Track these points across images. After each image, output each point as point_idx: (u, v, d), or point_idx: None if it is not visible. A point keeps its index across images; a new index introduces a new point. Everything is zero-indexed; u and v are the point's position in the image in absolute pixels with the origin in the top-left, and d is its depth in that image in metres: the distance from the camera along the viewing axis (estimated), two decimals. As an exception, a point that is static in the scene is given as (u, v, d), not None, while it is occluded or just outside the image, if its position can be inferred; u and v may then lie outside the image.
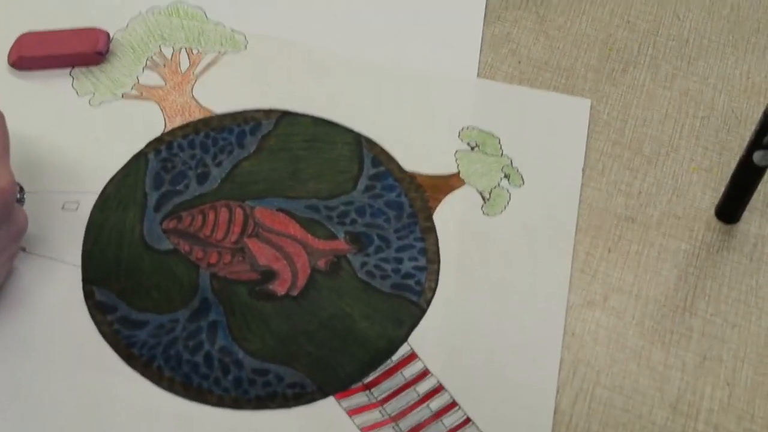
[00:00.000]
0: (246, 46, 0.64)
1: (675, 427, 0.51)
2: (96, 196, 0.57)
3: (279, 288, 0.55)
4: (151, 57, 0.63)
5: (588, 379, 0.52)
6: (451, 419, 0.51)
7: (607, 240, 0.57)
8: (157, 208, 0.57)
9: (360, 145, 0.60)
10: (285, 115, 0.61)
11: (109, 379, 0.51)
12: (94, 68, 0.62)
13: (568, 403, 0.52)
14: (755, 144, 0.53)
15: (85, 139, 0.59)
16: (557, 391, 0.52)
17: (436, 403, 0.51)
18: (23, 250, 0.54)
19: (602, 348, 0.53)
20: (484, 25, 0.66)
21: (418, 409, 0.51)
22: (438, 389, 0.52)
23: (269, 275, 0.55)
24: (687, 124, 0.61)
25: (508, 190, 0.59)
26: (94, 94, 0.61)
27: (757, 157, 0.53)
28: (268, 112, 0.61)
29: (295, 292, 0.54)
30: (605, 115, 0.61)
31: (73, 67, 0.62)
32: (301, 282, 0.55)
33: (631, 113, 0.62)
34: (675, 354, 0.53)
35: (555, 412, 0.51)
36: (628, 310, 0.55)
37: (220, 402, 0.51)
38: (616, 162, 0.60)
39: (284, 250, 0.56)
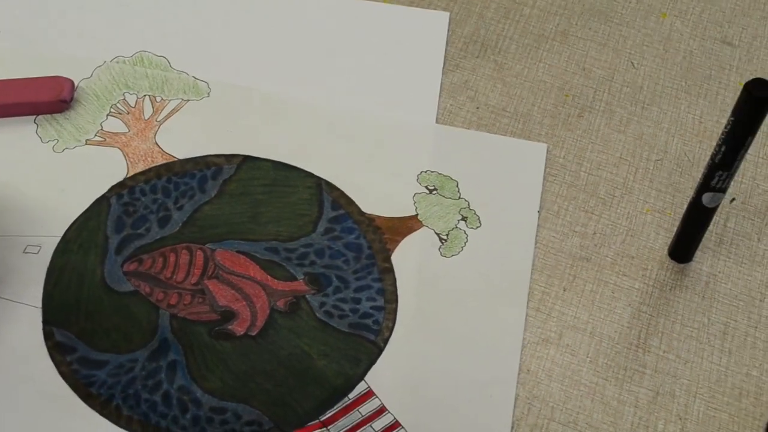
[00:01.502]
0: (209, 94, 0.65)
1: None
2: (58, 240, 0.58)
3: (238, 328, 0.55)
4: (115, 104, 0.64)
5: (543, 415, 0.53)
6: (407, 455, 0.51)
7: (562, 279, 0.58)
8: (118, 251, 0.58)
9: (320, 189, 0.61)
10: (246, 159, 0.62)
11: (68, 419, 0.52)
12: (58, 115, 0.63)
13: None
14: (704, 186, 0.54)
15: (48, 184, 0.60)
16: (512, 428, 0.52)
17: (392, 440, 0.52)
18: (-16, 292, 0.55)
19: (557, 384, 0.54)
20: (442, 72, 0.67)
21: (375, 445, 0.52)
22: (395, 425, 0.52)
23: (229, 315, 0.56)
24: (641, 167, 0.63)
25: (465, 232, 0.60)
26: (57, 140, 0.62)
27: (706, 198, 0.55)
28: (229, 157, 0.62)
29: (254, 332, 0.55)
30: (561, 159, 0.63)
31: (37, 114, 0.63)
32: (260, 322, 0.55)
33: (587, 156, 0.63)
34: (628, 389, 0.54)
35: None
36: (582, 348, 0.56)
37: (177, 440, 0.51)
38: (571, 204, 0.61)
39: (244, 291, 0.56)
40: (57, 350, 0.53)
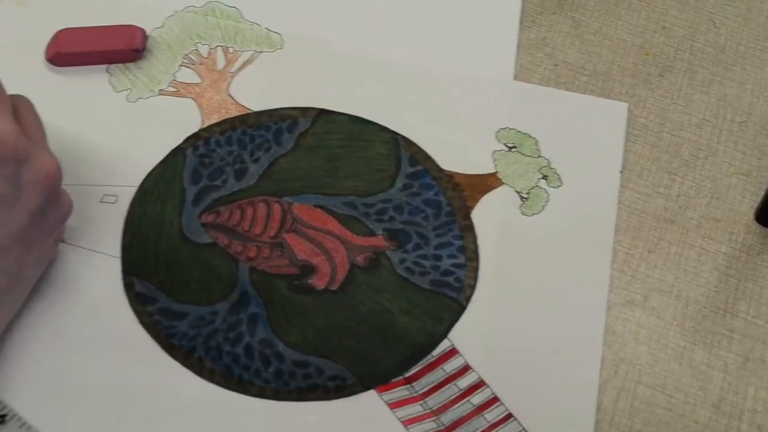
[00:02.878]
0: (282, 46, 0.64)
1: (718, 426, 0.51)
2: (134, 190, 0.57)
3: (318, 282, 0.54)
4: (188, 55, 0.63)
5: (630, 378, 0.52)
6: (492, 414, 0.51)
7: (646, 241, 0.57)
8: (195, 202, 0.57)
9: (397, 144, 0.60)
10: (322, 113, 0.61)
11: (150, 369, 0.51)
12: (130, 65, 0.62)
13: (611, 401, 0.51)
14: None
15: (122, 133, 0.59)
16: (599, 389, 0.51)
17: (477, 398, 0.51)
18: (62, 241, 0.54)
19: (644, 347, 0.53)
20: (519, 29, 0.65)
21: (460, 403, 0.51)
22: (479, 384, 0.51)
23: (308, 270, 0.55)
24: (725, 128, 0.61)
25: (546, 191, 0.59)
26: (131, 90, 0.61)
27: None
28: (304, 110, 0.61)
29: (334, 287, 0.54)
30: (642, 119, 0.61)
31: (110, 63, 0.62)
32: (340, 277, 0.55)
33: (669, 117, 0.62)
34: (717, 354, 0.53)
35: (597, 410, 0.51)
36: (668, 311, 0.54)
37: (261, 393, 0.51)
38: (654, 165, 0.60)
39: (323, 245, 0.55)
40: (138, 300, 0.53)
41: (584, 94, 0.63)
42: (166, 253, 0.55)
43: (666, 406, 0.52)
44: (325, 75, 0.63)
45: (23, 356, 0.50)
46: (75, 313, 0.52)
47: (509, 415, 0.51)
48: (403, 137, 0.60)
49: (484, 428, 0.50)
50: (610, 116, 0.62)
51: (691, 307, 0.55)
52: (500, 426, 0.50)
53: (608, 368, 0.52)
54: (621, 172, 0.59)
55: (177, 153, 0.59)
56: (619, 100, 0.62)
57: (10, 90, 0.47)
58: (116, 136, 0.59)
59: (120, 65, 0.62)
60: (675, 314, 0.54)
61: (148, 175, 0.58)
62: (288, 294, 0.54)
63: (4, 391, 0.49)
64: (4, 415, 0.49)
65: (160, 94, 0.61)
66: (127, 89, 0.61)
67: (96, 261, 0.54)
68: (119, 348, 0.51)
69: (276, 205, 0.57)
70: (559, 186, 0.59)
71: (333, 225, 0.56)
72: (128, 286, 0.53)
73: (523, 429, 0.50)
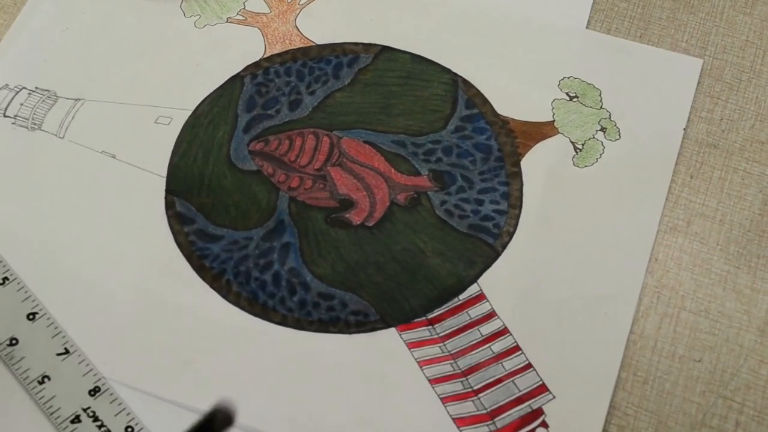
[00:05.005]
0: (354, -19, 0.64)
1: (763, 350, 0.50)
2: (189, 113, 0.58)
3: (355, 217, 0.54)
4: (261, -16, 0.63)
5: (672, 304, 0.51)
6: (511, 363, 0.50)
7: (688, 167, 0.55)
8: (246, 129, 0.57)
9: (456, 86, 0.59)
10: (384, 50, 0.60)
11: (178, 288, 0.52)
12: (203, -9, 0.63)
13: (653, 327, 0.51)
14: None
15: (186, 58, 0.60)
16: (640, 317, 0.51)
17: (498, 346, 0.50)
18: (113, 157, 0.56)
19: (686, 273, 0.52)
20: (599, -25, 0.63)
21: (480, 349, 0.50)
22: (502, 332, 0.51)
23: (347, 204, 0.55)
24: (768, 49, 0.59)
25: (602, 143, 0.57)
26: (200, 16, 0.62)
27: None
28: (367, 46, 0.61)
29: (370, 223, 0.54)
30: (683, 43, 0.59)
31: (183, -12, 0.63)
32: (378, 213, 0.54)
33: (711, 41, 0.59)
34: (762, 278, 0.52)
35: (640, 337, 0.50)
36: (712, 236, 0.53)
37: (283, 321, 0.51)
38: (696, 89, 0.58)
39: (365, 181, 0.55)
40: (176, 220, 0.54)
41: (657, 47, 0.60)
42: (211, 177, 0.55)
43: (710, 331, 0.51)
44: (392, 12, 0.62)
45: (64, 260, 0.52)
46: (117, 228, 0.54)
47: (528, 365, 0.50)
48: (463, 79, 0.59)
49: (500, 376, 0.50)
50: (681, 71, 0.60)
51: (735, 231, 0.53)
52: (517, 375, 0.50)
53: (650, 295, 0.52)
54: (684, 129, 0.57)
55: (235, 80, 0.59)
56: (660, 25, 0.60)
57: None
58: (179, 60, 0.60)
59: (192, -9, 0.63)
60: (718, 239, 0.53)
61: (204, 100, 0.58)
62: (324, 226, 0.54)
63: (38, 293, 0.51)
64: (34, 314, 0.51)
65: (227, 22, 0.62)
66: (197, 15, 0.62)
67: (142, 178, 0.55)
68: (152, 264, 0.53)
69: (325, 138, 0.57)
70: (616, 139, 0.57)
71: (379, 162, 0.56)
72: (169, 205, 0.54)
73: (541, 380, 0.50)
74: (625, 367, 0.50)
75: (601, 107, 0.58)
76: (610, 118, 0.58)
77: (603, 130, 0.57)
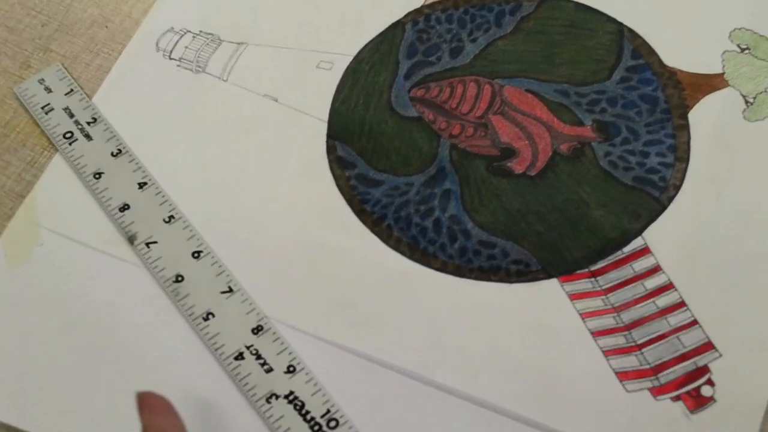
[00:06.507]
0: (518, -73, 0.62)
1: None
2: (350, 59, 0.58)
3: (517, 166, 0.54)
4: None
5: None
6: (676, 318, 0.49)
7: None
8: (407, 76, 0.57)
9: (621, 36, 0.57)
10: (548, -2, 0.59)
11: (339, 232, 0.52)
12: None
13: None
14: None
15: (348, 4, 0.60)
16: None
17: (663, 301, 0.49)
18: (276, 101, 0.56)
19: None
20: (775, -76, 0.61)
21: (643, 303, 0.49)
22: (668, 287, 0.50)
23: (509, 153, 0.54)
24: None
25: (775, 97, 0.55)
26: (361, -38, 0.62)
27: None
28: (530, -6, 0.60)
29: (533, 172, 0.53)
30: None
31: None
32: (541, 163, 0.54)
33: None
34: None
35: None
36: None
37: (443, 267, 0.51)
38: None
39: (527, 130, 0.55)
40: (337, 164, 0.54)
41: (836, -2, 0.58)
42: (371, 122, 0.55)
43: None
44: (556, -41, 0.61)
45: (227, 201, 0.53)
46: (279, 171, 0.54)
47: (694, 322, 0.49)
48: (629, 29, 0.58)
49: (665, 332, 0.49)
50: None
51: None
52: (683, 331, 0.49)
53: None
54: None
55: (396, 26, 0.59)
56: None
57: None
58: (341, 7, 0.60)
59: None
60: None
61: (365, 46, 0.58)
62: (485, 174, 0.53)
63: (203, 232, 0.52)
64: (199, 252, 0.52)
65: (390, -32, 0.61)
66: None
67: (304, 123, 0.56)
68: (314, 207, 0.53)
69: (486, 86, 0.56)
70: (790, 93, 0.55)
71: (541, 111, 0.55)
72: (330, 149, 0.55)
73: (707, 337, 0.48)
74: (796, 327, 0.48)
75: (774, 60, 0.56)
76: (784, 71, 0.56)
77: (776, 83, 0.55)
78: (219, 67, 0.58)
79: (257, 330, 0.49)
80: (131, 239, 0.52)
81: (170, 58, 0.59)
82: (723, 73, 0.56)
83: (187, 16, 0.60)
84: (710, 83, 0.56)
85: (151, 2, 0.60)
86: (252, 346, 0.49)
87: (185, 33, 0.59)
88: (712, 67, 0.56)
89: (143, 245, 0.52)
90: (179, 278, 0.51)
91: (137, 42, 0.59)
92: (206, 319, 0.50)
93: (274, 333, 0.49)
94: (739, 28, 0.57)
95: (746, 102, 0.55)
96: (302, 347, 0.50)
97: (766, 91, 0.55)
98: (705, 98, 0.55)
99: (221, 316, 0.50)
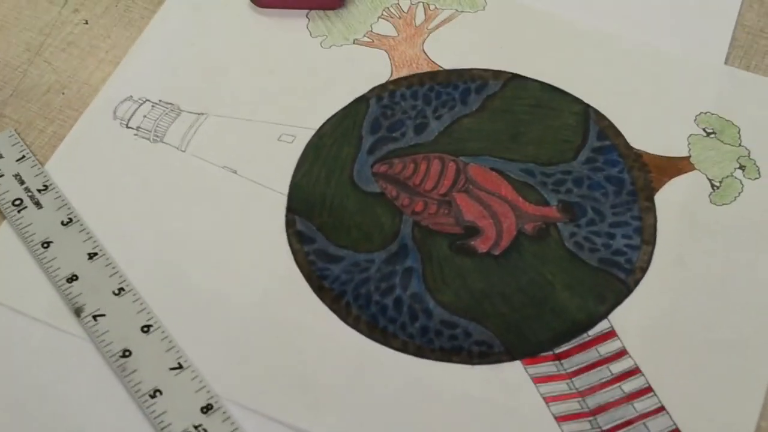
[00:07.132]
0: (485, 8, 0.62)
1: None
2: (313, 132, 0.57)
3: (481, 245, 0.52)
4: (388, 8, 0.62)
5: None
6: (643, 404, 0.47)
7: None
8: (370, 151, 0.56)
9: (587, 116, 0.57)
10: (514, 78, 0.59)
11: (296, 308, 0.51)
12: (330, 12, 0.62)
13: None
14: None
15: (311, 78, 0.59)
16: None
17: (629, 386, 0.48)
18: (235, 173, 0.55)
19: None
20: (739, 11, 0.61)
21: (609, 388, 0.48)
22: (634, 372, 0.48)
23: (473, 231, 0.53)
24: None
25: (741, 182, 0.54)
26: (326, 36, 0.61)
27: None
28: (496, 73, 0.59)
29: (497, 252, 0.52)
30: None
31: (311, 9, 0.62)
32: (505, 243, 0.52)
33: None
34: None
35: None
36: None
37: (403, 347, 0.50)
38: None
39: (492, 208, 0.54)
40: (296, 238, 0.53)
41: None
42: (333, 197, 0.54)
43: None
44: (522, 40, 0.61)
45: (180, 274, 0.51)
46: (236, 244, 0.52)
47: (661, 408, 0.47)
48: (595, 110, 0.57)
49: (631, 417, 0.47)
50: (826, 111, 0.57)
51: None
52: (650, 417, 0.47)
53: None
54: (830, 171, 0.54)
55: (361, 101, 0.58)
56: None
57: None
58: (304, 80, 0.59)
59: (320, 12, 0.62)
60: None
61: (329, 120, 0.57)
62: (448, 253, 0.52)
63: (154, 306, 0.50)
64: (148, 326, 0.49)
65: (354, 44, 0.61)
66: (323, 35, 0.61)
67: (264, 196, 0.54)
68: (270, 283, 0.51)
69: (451, 164, 0.55)
70: (756, 178, 0.55)
71: (506, 190, 0.54)
72: (289, 224, 0.53)
73: (674, 423, 0.47)
74: (765, 416, 0.47)
75: (739, 144, 0.56)
76: (749, 156, 0.55)
77: (742, 168, 0.55)
78: (177, 138, 0.57)
79: (207, 409, 0.47)
80: (78, 311, 0.50)
81: (128, 127, 0.57)
82: (689, 157, 0.55)
83: (148, 85, 0.59)
84: (676, 166, 0.55)
85: (111, 70, 0.59)
86: (201, 425, 0.47)
87: (144, 102, 0.58)
88: (678, 150, 0.56)
89: (90, 318, 0.50)
90: (126, 353, 0.49)
91: (94, 109, 0.58)
92: (153, 396, 0.48)
93: (224, 412, 0.47)
94: (705, 113, 0.57)
95: (712, 186, 0.54)
96: (254, 428, 0.47)
97: (732, 176, 0.55)
98: (671, 181, 0.55)
99: (169, 394, 0.48)
